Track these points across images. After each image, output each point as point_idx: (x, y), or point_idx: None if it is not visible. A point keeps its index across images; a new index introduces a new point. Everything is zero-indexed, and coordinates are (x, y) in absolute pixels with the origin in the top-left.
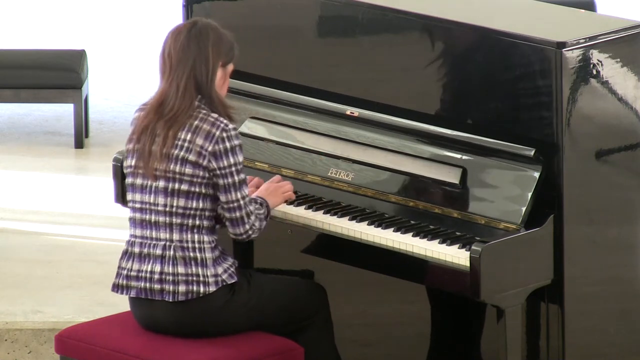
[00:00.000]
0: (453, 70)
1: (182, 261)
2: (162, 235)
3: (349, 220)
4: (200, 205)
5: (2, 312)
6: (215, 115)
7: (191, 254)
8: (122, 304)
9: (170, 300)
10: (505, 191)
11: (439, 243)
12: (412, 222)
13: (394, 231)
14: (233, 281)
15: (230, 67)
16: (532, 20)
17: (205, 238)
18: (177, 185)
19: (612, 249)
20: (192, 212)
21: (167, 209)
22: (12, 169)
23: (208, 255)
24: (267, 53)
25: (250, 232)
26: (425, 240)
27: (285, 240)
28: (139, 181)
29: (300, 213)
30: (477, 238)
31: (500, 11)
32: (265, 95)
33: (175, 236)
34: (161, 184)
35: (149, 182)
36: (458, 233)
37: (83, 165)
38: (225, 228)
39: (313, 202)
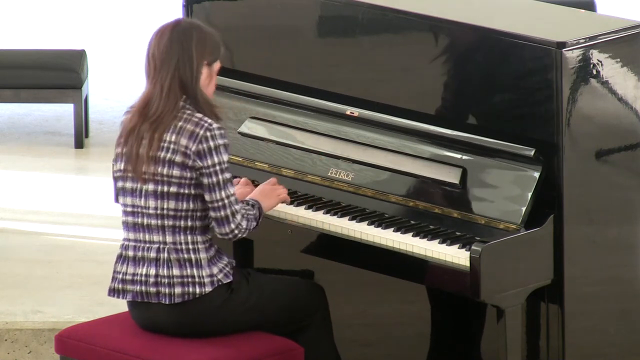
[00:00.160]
0: (453, 70)
1: (177, 263)
2: (156, 238)
3: (349, 220)
4: (191, 206)
5: (2, 312)
6: (200, 115)
7: (185, 256)
8: (122, 304)
9: (167, 303)
10: (505, 191)
11: (439, 243)
12: (412, 222)
13: (394, 231)
14: (229, 280)
15: (217, 66)
16: (532, 20)
17: (199, 238)
18: (166, 188)
19: (612, 249)
20: (183, 213)
21: (158, 211)
22: (12, 169)
23: (202, 255)
24: (267, 53)
25: (236, 232)
26: (425, 240)
27: (285, 240)
28: (128, 185)
29: (300, 213)
30: (477, 238)
31: (500, 11)
32: (265, 95)
33: (169, 238)
34: (150, 187)
35: (139, 186)
36: (458, 233)
37: (83, 165)
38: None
39: (313, 202)
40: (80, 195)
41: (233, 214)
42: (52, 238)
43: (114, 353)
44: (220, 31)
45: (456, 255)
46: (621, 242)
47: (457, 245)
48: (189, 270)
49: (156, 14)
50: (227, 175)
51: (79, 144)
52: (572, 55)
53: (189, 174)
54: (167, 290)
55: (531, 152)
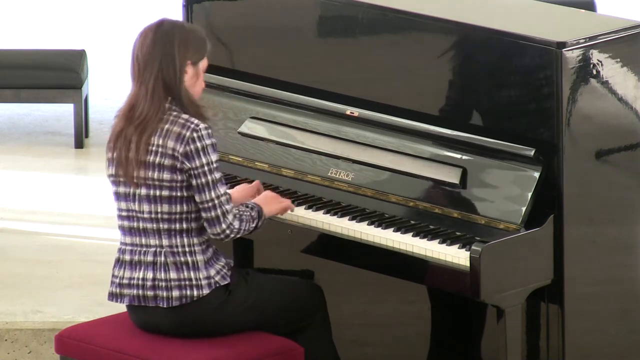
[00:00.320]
0: (453, 70)
1: (174, 266)
2: (152, 241)
3: (349, 220)
4: (185, 208)
5: (2, 312)
6: (186, 116)
7: (182, 259)
8: (121, 304)
9: (165, 306)
10: (505, 191)
11: (439, 243)
12: (412, 222)
13: (394, 231)
14: (226, 282)
15: (203, 64)
16: (532, 20)
17: (195, 240)
18: (158, 192)
19: (612, 249)
20: (177, 216)
21: (153, 215)
22: (12, 169)
23: (199, 257)
24: (267, 53)
25: (228, 232)
26: (425, 240)
27: (285, 240)
28: (122, 189)
29: (300, 213)
30: (477, 238)
31: (500, 11)
32: (265, 95)
33: (165, 242)
34: (143, 191)
35: (132, 190)
36: (458, 233)
37: (83, 165)
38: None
39: (313, 202)
40: (80, 195)
41: (224, 214)
42: (52, 238)
43: (114, 353)
44: (220, 31)
45: (456, 255)
46: (621, 242)
47: (457, 245)
48: (186, 273)
49: (156, 14)
50: (217, 175)
51: (79, 144)
52: (572, 55)
53: (179, 177)
54: (164, 294)
55: (531, 152)
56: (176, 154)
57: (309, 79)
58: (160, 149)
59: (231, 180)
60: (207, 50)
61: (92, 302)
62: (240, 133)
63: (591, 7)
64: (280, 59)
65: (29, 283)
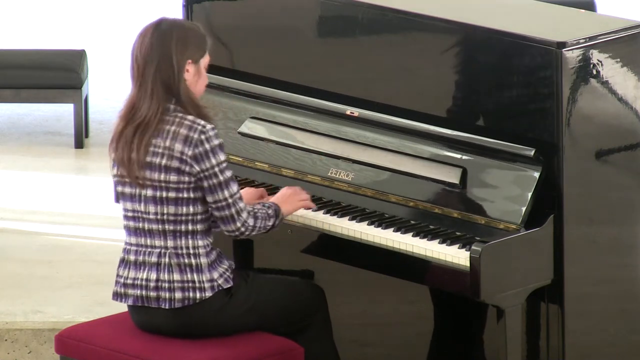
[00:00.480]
0: (453, 70)
1: (178, 268)
2: (157, 242)
3: (349, 220)
4: (191, 210)
5: (2, 312)
6: (192, 118)
7: (186, 260)
8: (121, 304)
9: (167, 308)
10: (505, 191)
11: (439, 243)
12: (412, 222)
13: (394, 231)
14: (229, 285)
15: (205, 61)
16: (532, 20)
17: (200, 242)
18: (164, 194)
19: (612, 249)
20: (183, 217)
21: (159, 216)
22: (12, 169)
23: (203, 260)
24: (267, 53)
25: (242, 229)
26: (425, 240)
27: (285, 240)
28: (127, 190)
29: (300, 213)
30: (477, 238)
31: (500, 11)
32: (265, 95)
33: (170, 243)
34: (149, 192)
35: (138, 191)
36: (458, 233)
37: (83, 165)
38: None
39: (313, 202)
40: (80, 195)
41: (238, 212)
42: (52, 238)
43: (114, 353)
44: (220, 31)
45: (456, 255)
46: (621, 242)
47: (457, 245)
48: (189, 275)
49: (156, 14)
50: (228, 174)
51: (79, 144)
52: (572, 55)
53: (186, 179)
54: (167, 295)
55: (531, 152)
56: (184, 157)
57: (309, 79)
58: (167, 152)
59: None
60: (208, 46)
61: (92, 302)
62: (240, 133)
63: (591, 7)
64: (280, 59)
65: (29, 283)
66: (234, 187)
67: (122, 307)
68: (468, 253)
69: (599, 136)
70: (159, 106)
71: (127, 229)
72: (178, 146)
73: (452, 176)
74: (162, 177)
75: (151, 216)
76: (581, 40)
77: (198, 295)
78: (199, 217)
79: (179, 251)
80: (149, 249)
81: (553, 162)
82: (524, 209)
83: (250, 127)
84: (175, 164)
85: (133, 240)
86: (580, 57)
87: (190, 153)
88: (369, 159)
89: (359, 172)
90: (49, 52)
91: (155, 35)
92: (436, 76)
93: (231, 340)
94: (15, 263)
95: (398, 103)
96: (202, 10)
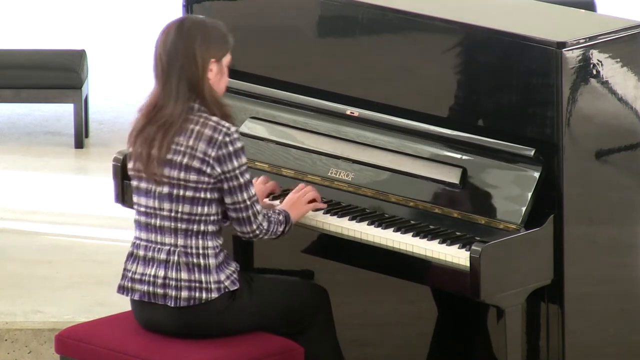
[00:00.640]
0: (453, 70)
1: (186, 267)
2: (167, 240)
3: (349, 220)
4: (206, 210)
5: (2, 312)
6: (216, 119)
7: (195, 260)
8: (121, 303)
9: (172, 306)
10: (505, 191)
11: (439, 243)
12: (412, 222)
13: (394, 231)
14: (235, 288)
15: (226, 59)
16: (532, 20)
17: (210, 244)
18: (182, 192)
19: (612, 249)
20: (197, 217)
21: (172, 214)
22: (12, 169)
23: (211, 261)
24: (267, 53)
25: (257, 232)
26: (425, 240)
27: (285, 240)
28: (143, 185)
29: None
30: (477, 238)
31: (500, 11)
32: (265, 95)
33: (180, 241)
34: (165, 189)
35: (153, 187)
36: (458, 233)
37: (83, 165)
38: (231, 227)
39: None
40: (80, 195)
41: (255, 215)
42: (52, 238)
43: (114, 353)
44: None
45: (456, 255)
46: (621, 242)
47: (457, 245)
48: (197, 275)
49: (156, 14)
50: (248, 176)
51: (79, 144)
52: (572, 55)
53: (206, 179)
54: (173, 293)
55: (531, 152)
56: (207, 157)
57: (309, 79)
58: (188, 150)
59: None
60: (230, 44)
61: (92, 302)
62: (240, 133)
63: (591, 7)
64: (280, 59)
65: (29, 283)
66: (253, 190)
67: (122, 308)
68: (468, 253)
69: (599, 136)
70: (183, 105)
71: (138, 223)
72: (201, 146)
73: (452, 176)
74: (182, 175)
75: (165, 213)
76: (581, 40)
77: (204, 295)
78: (212, 218)
79: (189, 250)
80: (159, 246)
81: (553, 162)
82: (524, 209)
83: (250, 127)
84: (196, 164)
85: (143, 235)
86: (580, 57)
87: (213, 154)
88: (369, 159)
89: (359, 172)
90: (49, 52)
91: (178, 33)
92: (436, 76)
93: (232, 340)
94: (15, 263)
95: (398, 103)
96: (202, 11)
